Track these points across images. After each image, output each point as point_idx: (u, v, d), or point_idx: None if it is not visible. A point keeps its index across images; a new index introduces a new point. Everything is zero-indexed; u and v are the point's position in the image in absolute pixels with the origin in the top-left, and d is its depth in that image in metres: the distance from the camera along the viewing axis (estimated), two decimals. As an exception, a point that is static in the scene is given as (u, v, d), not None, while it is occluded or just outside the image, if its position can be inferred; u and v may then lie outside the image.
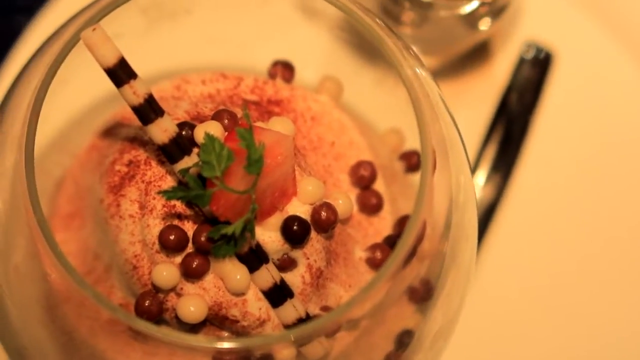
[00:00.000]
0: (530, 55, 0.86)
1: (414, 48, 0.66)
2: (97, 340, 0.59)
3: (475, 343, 0.79)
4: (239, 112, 0.63)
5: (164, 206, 0.61)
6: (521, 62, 0.86)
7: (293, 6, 0.71)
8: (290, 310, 0.61)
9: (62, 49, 0.60)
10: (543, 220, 0.82)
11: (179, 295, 0.60)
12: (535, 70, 0.86)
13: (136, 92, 0.58)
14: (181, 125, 0.60)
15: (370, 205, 0.67)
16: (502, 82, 0.85)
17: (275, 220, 0.60)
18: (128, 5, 0.61)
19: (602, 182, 0.84)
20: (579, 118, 0.85)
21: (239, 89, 0.68)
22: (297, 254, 0.61)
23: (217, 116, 0.62)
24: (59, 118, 0.71)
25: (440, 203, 0.61)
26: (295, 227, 0.60)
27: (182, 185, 0.60)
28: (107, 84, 0.58)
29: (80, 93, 0.68)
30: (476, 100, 0.85)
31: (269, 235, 0.60)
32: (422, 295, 0.61)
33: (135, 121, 0.59)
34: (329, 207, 0.61)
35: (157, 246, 0.60)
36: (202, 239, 0.59)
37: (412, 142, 0.70)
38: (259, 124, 0.61)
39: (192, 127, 0.60)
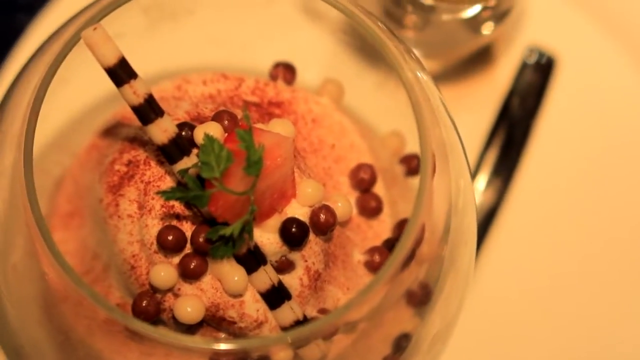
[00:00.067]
0: (532, 59, 0.86)
1: (416, 51, 0.66)
2: (94, 340, 0.59)
3: (472, 347, 0.79)
4: (240, 113, 0.63)
5: (162, 206, 0.61)
6: (523, 66, 0.86)
7: (295, 8, 0.71)
8: (288, 312, 0.61)
9: (62, 48, 0.60)
10: (543, 226, 0.82)
11: (176, 295, 0.60)
12: (537, 75, 0.85)
13: (136, 92, 0.58)
14: (181, 126, 0.60)
15: (370, 208, 0.66)
16: (504, 87, 0.85)
17: (274, 222, 0.60)
18: (129, 5, 0.61)
19: (604, 187, 0.83)
20: (581, 123, 0.85)
21: (239, 89, 0.68)
22: (295, 256, 0.61)
23: (217, 117, 0.62)
24: (59, 117, 0.71)
25: (440, 207, 0.61)
26: (293, 230, 0.60)
27: (181, 185, 0.60)
28: (108, 83, 0.57)
29: (80, 92, 0.68)
30: (478, 104, 0.85)
31: (267, 237, 0.60)
32: (421, 298, 0.61)
33: (135, 121, 0.59)
34: (328, 209, 0.61)
35: (155, 246, 0.60)
36: (201, 239, 0.59)
37: (413, 146, 0.70)
38: (259, 125, 0.61)
39: (191, 127, 0.60)
